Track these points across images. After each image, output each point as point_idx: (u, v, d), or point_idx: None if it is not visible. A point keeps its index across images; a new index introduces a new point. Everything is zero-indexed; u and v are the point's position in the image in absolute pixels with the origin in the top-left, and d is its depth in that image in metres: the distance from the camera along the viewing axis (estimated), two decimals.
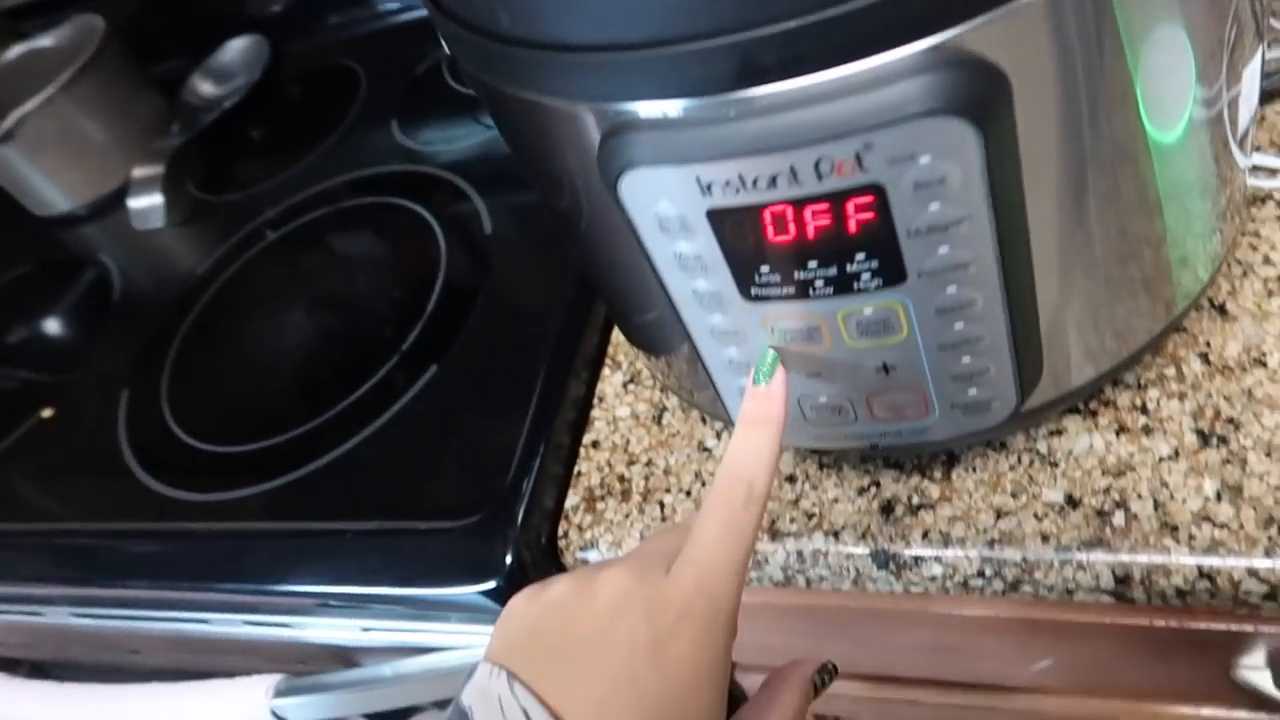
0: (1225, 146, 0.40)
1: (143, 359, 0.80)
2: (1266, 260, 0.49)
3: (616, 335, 0.63)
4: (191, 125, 0.98)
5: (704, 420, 0.56)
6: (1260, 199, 0.51)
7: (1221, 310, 0.48)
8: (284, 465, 0.65)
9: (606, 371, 0.62)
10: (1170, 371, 0.47)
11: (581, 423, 0.60)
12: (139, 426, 0.74)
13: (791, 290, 0.34)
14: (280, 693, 0.64)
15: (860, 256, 0.32)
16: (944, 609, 0.54)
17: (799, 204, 0.30)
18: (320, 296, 0.78)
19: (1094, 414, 0.47)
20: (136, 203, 0.94)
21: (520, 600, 0.34)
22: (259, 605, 0.64)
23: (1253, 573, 0.41)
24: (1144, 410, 0.47)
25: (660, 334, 0.42)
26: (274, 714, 0.64)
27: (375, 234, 0.80)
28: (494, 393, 0.62)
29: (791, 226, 0.31)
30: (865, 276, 0.33)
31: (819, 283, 0.33)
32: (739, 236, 0.32)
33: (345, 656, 0.66)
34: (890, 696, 0.66)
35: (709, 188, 0.30)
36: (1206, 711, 0.59)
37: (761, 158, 0.29)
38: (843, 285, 0.33)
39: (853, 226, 0.31)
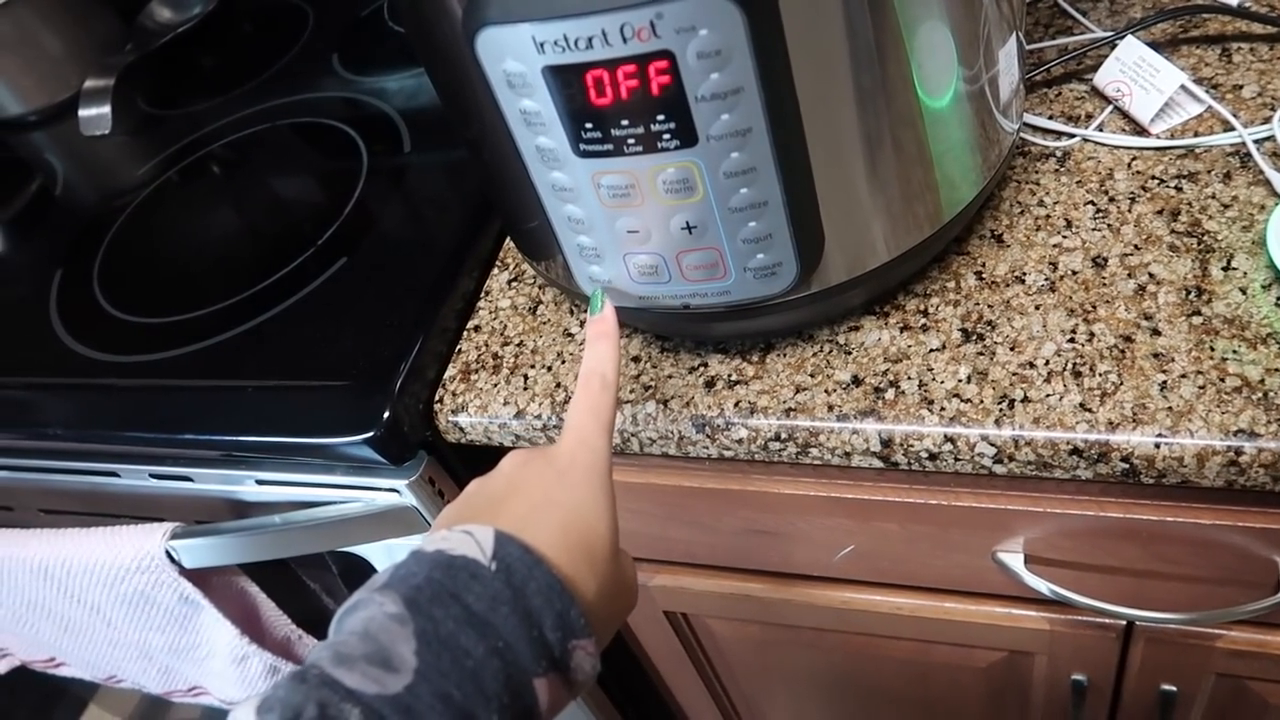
0: (984, 94, 0.50)
1: (78, 244, 0.87)
2: (1040, 203, 0.59)
3: (508, 243, 0.72)
4: (144, 45, 1.05)
5: (571, 312, 0.65)
6: (1045, 156, 0.61)
7: (999, 240, 0.58)
8: (200, 334, 0.72)
9: (495, 271, 0.70)
10: (951, 284, 0.57)
11: (468, 311, 0.68)
12: (69, 300, 0.81)
13: (611, 147, 0.42)
14: (176, 535, 0.71)
15: (661, 118, 0.41)
16: (758, 486, 0.63)
17: (612, 66, 0.39)
18: (250, 198, 0.85)
19: (886, 315, 0.57)
20: (86, 111, 1.00)
21: (448, 505, 0.44)
22: (164, 456, 0.71)
23: (985, 438, 0.51)
24: (925, 314, 0.56)
25: (522, 202, 0.50)
26: (168, 554, 0.71)
27: (305, 148, 0.88)
28: (394, 282, 0.70)
29: (608, 88, 0.40)
30: (666, 137, 0.41)
31: (631, 140, 0.42)
32: (569, 94, 0.41)
33: (240, 510, 0.73)
34: (729, 590, 0.75)
35: (543, 46, 0.39)
36: (979, 608, 0.68)
37: (581, 20, 0.38)
38: (649, 144, 0.42)
39: (655, 89, 0.40)
